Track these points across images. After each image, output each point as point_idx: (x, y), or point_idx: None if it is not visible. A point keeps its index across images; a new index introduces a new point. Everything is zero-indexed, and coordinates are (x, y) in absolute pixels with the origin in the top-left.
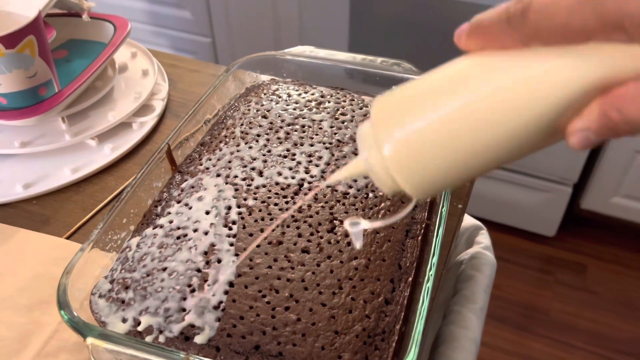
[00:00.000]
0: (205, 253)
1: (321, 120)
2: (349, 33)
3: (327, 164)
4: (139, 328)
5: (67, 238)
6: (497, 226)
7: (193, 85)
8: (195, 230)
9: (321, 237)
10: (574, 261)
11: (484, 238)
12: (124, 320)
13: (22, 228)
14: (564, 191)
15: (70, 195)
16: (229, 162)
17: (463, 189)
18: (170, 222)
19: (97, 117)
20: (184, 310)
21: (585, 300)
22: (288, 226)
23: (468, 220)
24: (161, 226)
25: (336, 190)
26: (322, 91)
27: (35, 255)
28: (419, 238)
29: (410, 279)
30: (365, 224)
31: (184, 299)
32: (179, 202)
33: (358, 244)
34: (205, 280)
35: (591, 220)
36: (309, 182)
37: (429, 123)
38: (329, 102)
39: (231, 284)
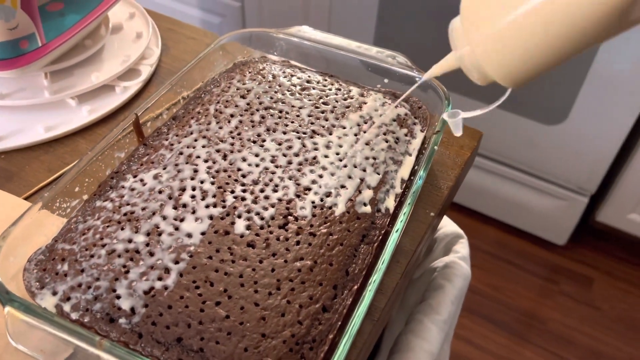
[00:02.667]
0: (148, 234)
1: (301, 107)
2: (377, 17)
3: (296, 154)
4: (67, 304)
5: (26, 199)
6: (506, 227)
7: (187, 53)
8: (143, 209)
9: (271, 233)
10: (581, 273)
11: (462, 248)
12: (54, 293)
13: None
14: (579, 201)
15: (39, 154)
16: (195, 140)
17: (439, 196)
18: (121, 197)
19: (81, 77)
20: (114, 291)
21: (587, 315)
22: (239, 216)
23: (449, 227)
24: (111, 200)
25: (298, 184)
26: (309, 76)
27: None
28: (375, 245)
29: (355, 287)
30: (464, 114)
31: (117, 279)
32: (135, 176)
33: (458, 133)
34: (142, 264)
35: (605, 233)
36: (272, 172)
37: (513, 19)
38: (313, 88)
39: (167, 271)
